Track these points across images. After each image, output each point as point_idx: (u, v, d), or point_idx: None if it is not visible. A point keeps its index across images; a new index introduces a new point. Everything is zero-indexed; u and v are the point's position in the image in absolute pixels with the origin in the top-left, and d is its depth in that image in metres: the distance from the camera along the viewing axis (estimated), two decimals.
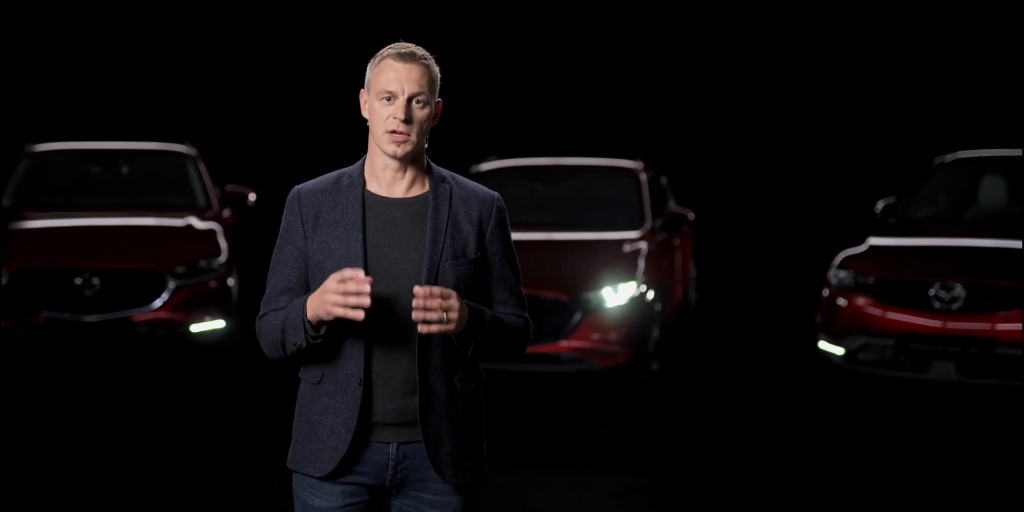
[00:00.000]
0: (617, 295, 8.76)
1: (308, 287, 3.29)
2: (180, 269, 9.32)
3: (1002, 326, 8.21)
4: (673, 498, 6.58)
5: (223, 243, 9.71)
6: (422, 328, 3.10)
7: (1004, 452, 7.49)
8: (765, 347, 10.80)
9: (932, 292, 8.40)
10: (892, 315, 8.47)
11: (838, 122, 16.10)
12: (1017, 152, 9.99)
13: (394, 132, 3.20)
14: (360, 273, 3.07)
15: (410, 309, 3.19)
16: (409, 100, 3.21)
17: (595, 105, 16.55)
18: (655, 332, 9.27)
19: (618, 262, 9.06)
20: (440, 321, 3.09)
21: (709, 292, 12.79)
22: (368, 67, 3.27)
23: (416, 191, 3.30)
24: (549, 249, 9.44)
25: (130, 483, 6.70)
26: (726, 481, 6.90)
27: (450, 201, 3.29)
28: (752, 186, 16.12)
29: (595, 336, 8.68)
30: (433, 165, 3.35)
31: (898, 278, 8.60)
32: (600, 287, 8.75)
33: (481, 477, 3.37)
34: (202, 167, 10.67)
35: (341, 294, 3.06)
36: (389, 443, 3.27)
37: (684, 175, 13.74)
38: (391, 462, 3.28)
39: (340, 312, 3.07)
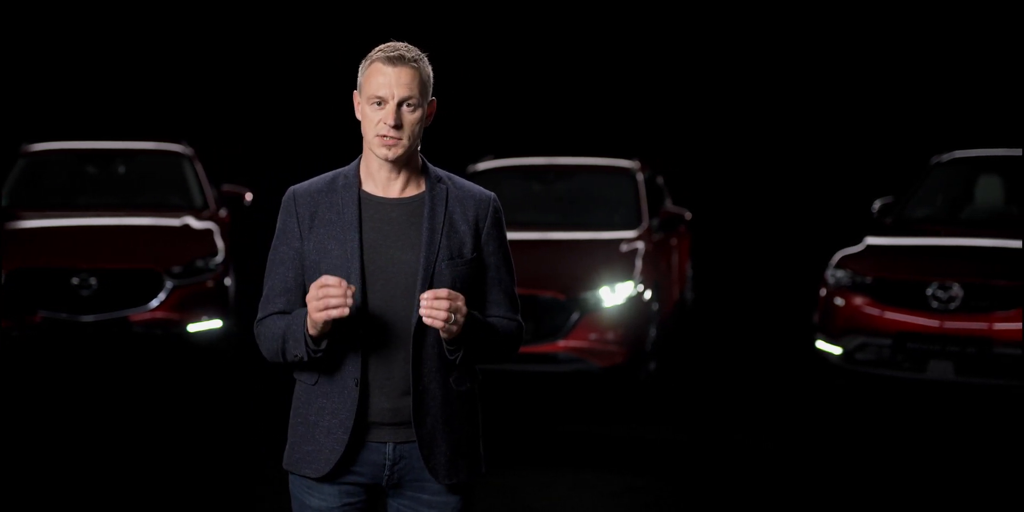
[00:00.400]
0: (614, 295, 8.76)
1: (305, 288, 3.28)
2: (177, 269, 9.31)
3: (999, 326, 8.22)
4: (672, 498, 6.58)
5: (220, 243, 9.70)
6: (428, 321, 3.08)
7: (1002, 452, 7.49)
8: (762, 347, 10.80)
9: (929, 292, 8.40)
10: (889, 315, 8.47)
11: (835, 122, 16.11)
12: (1013, 152, 10.00)
13: (384, 136, 3.19)
14: (342, 281, 3.06)
15: (406, 309, 3.20)
16: (399, 104, 3.18)
17: (592, 105, 16.55)
18: (652, 332, 9.27)
19: (615, 262, 9.06)
20: (447, 321, 3.08)
21: (706, 292, 12.79)
22: (359, 69, 3.25)
23: (412, 191, 3.29)
24: (546, 249, 9.44)
25: (129, 483, 6.69)
26: (724, 481, 6.90)
27: (446, 201, 3.28)
28: (749, 186, 16.12)
29: (592, 336, 8.68)
30: (429, 165, 3.34)
31: (895, 278, 8.61)
32: (597, 287, 8.75)
33: (477, 477, 3.36)
34: (199, 167, 10.66)
35: (320, 299, 3.05)
36: (385, 443, 3.26)
37: (680, 175, 13.74)
38: (387, 462, 3.27)
39: (322, 316, 3.06)
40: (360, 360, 3.22)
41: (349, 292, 3.04)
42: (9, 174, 10.51)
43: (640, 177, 10.22)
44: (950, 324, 8.31)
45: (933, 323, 8.35)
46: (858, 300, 8.63)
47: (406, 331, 3.21)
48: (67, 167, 10.81)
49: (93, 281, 9.13)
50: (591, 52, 16.61)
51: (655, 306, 9.36)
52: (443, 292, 3.08)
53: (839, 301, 8.73)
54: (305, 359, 3.19)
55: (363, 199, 3.27)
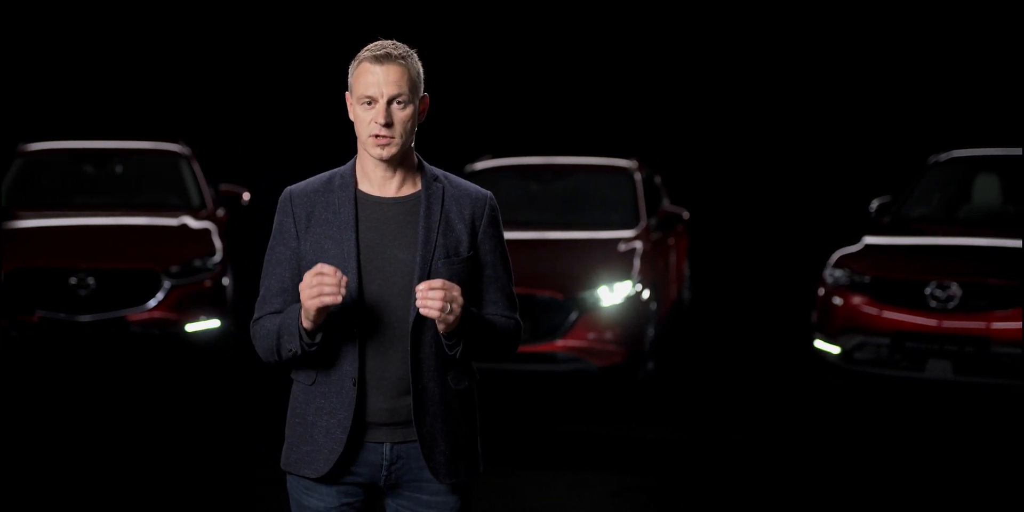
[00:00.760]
0: (613, 294, 8.76)
1: None
2: (175, 269, 9.30)
3: (998, 325, 8.22)
4: (671, 497, 6.58)
5: (218, 242, 9.69)
6: (424, 311, 3.09)
7: (1000, 451, 7.49)
8: (760, 346, 10.80)
9: (928, 291, 8.40)
10: (888, 314, 8.47)
11: (832, 121, 16.11)
12: (1011, 151, 10.01)
13: (377, 136, 3.19)
14: (336, 270, 3.06)
15: (403, 309, 3.20)
16: (389, 102, 3.18)
17: (589, 104, 16.55)
18: (651, 331, 9.27)
19: (613, 261, 9.06)
20: (443, 310, 3.08)
21: (703, 291, 12.79)
22: (349, 70, 3.25)
23: (408, 190, 3.29)
24: (545, 248, 9.44)
25: (127, 483, 6.68)
26: (723, 480, 6.90)
27: (442, 200, 3.28)
28: (746, 185, 16.13)
29: (591, 335, 8.68)
30: (425, 164, 3.34)
31: (894, 277, 8.61)
32: (596, 286, 8.75)
33: (475, 476, 3.36)
34: (196, 166, 10.65)
35: (314, 287, 3.05)
36: (383, 443, 3.26)
37: (678, 174, 13.74)
38: (385, 462, 3.27)
39: (315, 303, 3.06)
40: (357, 360, 3.21)
41: (343, 280, 3.05)
42: (6, 174, 10.49)
43: (638, 176, 10.22)
44: (948, 323, 8.32)
45: (931, 322, 8.35)
46: (856, 299, 8.63)
47: (403, 330, 3.21)
48: (64, 167, 10.79)
49: (91, 281, 9.12)
50: (589, 52, 16.61)
51: (653, 306, 9.36)
52: (437, 283, 3.08)
53: (837, 300, 8.73)
54: (299, 353, 3.18)
55: (359, 199, 3.27)
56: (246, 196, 10.81)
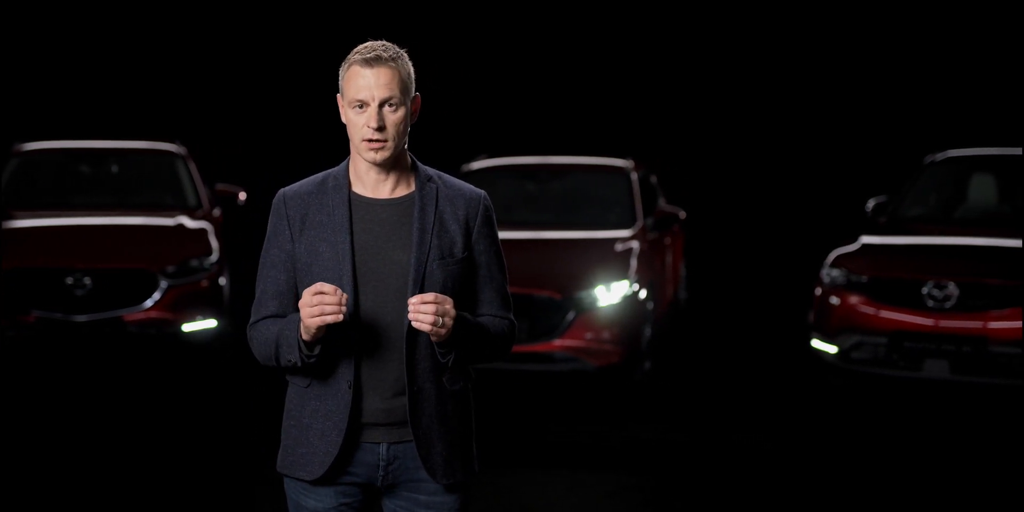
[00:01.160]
0: (610, 294, 8.75)
1: (297, 290, 3.27)
2: (171, 269, 9.29)
3: (995, 324, 8.22)
4: (668, 497, 6.57)
5: (214, 242, 9.68)
6: (416, 324, 3.09)
7: (997, 450, 7.50)
8: (757, 346, 10.80)
9: (925, 290, 8.41)
10: (885, 313, 8.47)
11: (829, 120, 16.11)
12: (1007, 151, 10.02)
13: (370, 140, 3.18)
14: (337, 289, 3.06)
15: (398, 310, 3.19)
16: (381, 106, 3.17)
17: (585, 104, 16.54)
18: (647, 331, 9.27)
19: (611, 261, 9.06)
20: (435, 324, 3.08)
21: (699, 291, 12.79)
22: (339, 73, 3.24)
23: (402, 191, 3.28)
24: (541, 248, 9.44)
25: (124, 483, 6.67)
26: (721, 480, 6.90)
27: (436, 200, 3.27)
28: (743, 185, 16.12)
29: (588, 335, 8.67)
30: (419, 164, 3.33)
31: (891, 276, 8.61)
32: (593, 286, 8.75)
33: (472, 476, 3.35)
34: (192, 166, 10.64)
35: (316, 305, 3.05)
36: (379, 443, 3.25)
37: (674, 173, 13.74)
38: (382, 462, 3.26)
39: (316, 322, 3.06)
40: (353, 361, 3.21)
41: (344, 299, 3.05)
42: (2, 174, 10.47)
43: (634, 176, 10.21)
44: (946, 323, 8.32)
45: (929, 322, 8.35)
46: (854, 299, 8.63)
47: (399, 332, 3.20)
48: (60, 166, 10.78)
49: (87, 281, 9.11)
50: (585, 51, 16.61)
51: (650, 305, 9.35)
52: (429, 296, 3.08)
53: (835, 300, 8.73)
54: (299, 365, 3.19)
55: (353, 200, 3.26)
56: (242, 196, 10.79)
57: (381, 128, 3.17)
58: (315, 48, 15.56)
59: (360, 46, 3.23)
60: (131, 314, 9.12)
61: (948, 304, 8.35)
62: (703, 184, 15.62)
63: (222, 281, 9.55)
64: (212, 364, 9.55)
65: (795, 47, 16.25)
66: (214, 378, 9.37)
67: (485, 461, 3.45)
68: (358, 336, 3.20)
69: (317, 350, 3.15)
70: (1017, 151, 9.94)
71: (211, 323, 9.34)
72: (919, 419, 8.26)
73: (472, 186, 3.36)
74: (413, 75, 3.25)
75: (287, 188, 3.33)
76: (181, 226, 9.89)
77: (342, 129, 3.26)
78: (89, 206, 10.34)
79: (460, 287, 3.26)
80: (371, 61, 3.17)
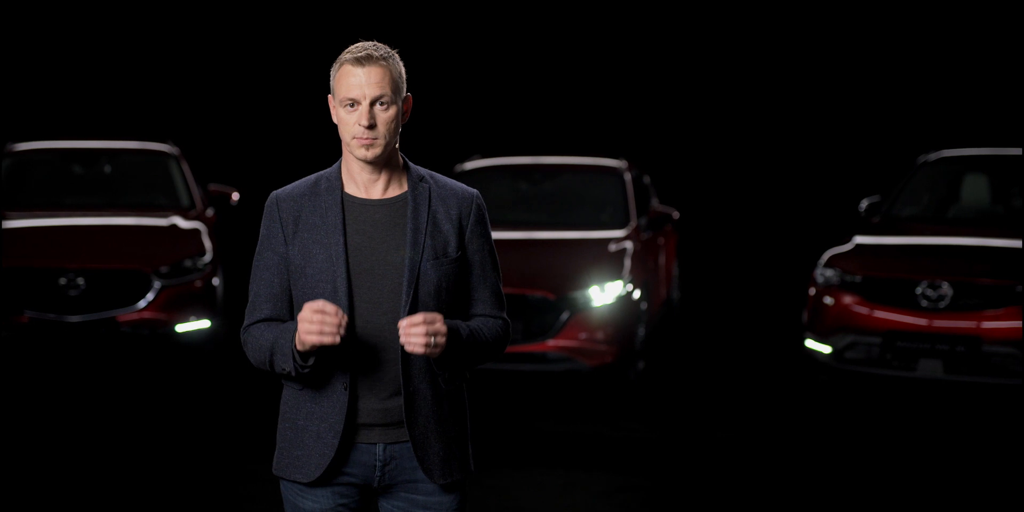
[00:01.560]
0: (604, 294, 8.75)
1: (291, 293, 3.28)
2: (165, 269, 9.28)
3: (988, 324, 8.24)
4: (663, 497, 6.57)
5: (207, 243, 9.67)
6: (408, 348, 3.09)
7: (991, 450, 7.50)
8: (751, 346, 10.81)
9: (919, 290, 8.42)
10: (879, 313, 8.48)
11: (822, 121, 16.13)
12: (999, 151, 10.03)
13: (361, 138, 3.18)
14: (338, 310, 3.05)
15: (393, 311, 3.20)
16: (372, 104, 3.17)
17: (579, 104, 16.55)
18: (641, 331, 9.27)
19: (604, 261, 9.06)
20: (428, 345, 3.08)
21: (692, 291, 12.80)
22: (330, 73, 3.24)
23: (394, 191, 3.28)
24: (535, 248, 9.44)
25: (119, 484, 6.66)
26: (715, 479, 6.90)
27: (429, 200, 3.27)
28: (736, 185, 16.14)
29: (582, 335, 8.67)
30: (411, 164, 3.33)
31: (885, 276, 8.62)
32: (587, 286, 8.75)
33: (467, 475, 3.35)
34: (185, 166, 10.62)
35: (316, 323, 3.05)
36: (375, 444, 3.25)
37: (667, 174, 13.75)
38: (378, 463, 3.26)
39: (315, 340, 3.06)
40: (349, 363, 3.21)
41: (343, 321, 3.05)
42: None
43: (627, 176, 10.21)
44: (939, 323, 8.33)
45: (922, 322, 8.36)
46: (847, 299, 8.64)
47: (393, 333, 3.19)
48: (53, 167, 10.76)
49: (80, 281, 9.09)
50: (579, 52, 16.61)
51: (644, 305, 9.36)
52: (418, 318, 3.08)
53: (828, 300, 8.74)
54: (293, 374, 3.19)
55: (346, 201, 3.26)
56: (235, 196, 10.78)
57: (372, 126, 3.17)
58: (307, 49, 15.57)
59: (351, 46, 3.24)
60: (124, 314, 9.11)
61: (941, 304, 8.36)
62: (696, 184, 15.64)
63: (215, 281, 9.54)
64: (206, 365, 9.54)
65: (789, 48, 16.26)
66: (208, 379, 9.36)
67: (478, 461, 3.45)
68: (353, 338, 3.20)
69: (311, 361, 3.15)
70: (1010, 151, 9.95)
71: (205, 323, 9.33)
72: (913, 419, 8.27)
73: (464, 185, 3.36)
74: (404, 75, 3.25)
75: (279, 190, 3.33)
76: (174, 226, 9.87)
77: (333, 129, 3.26)
78: (82, 206, 10.32)
79: (454, 287, 3.27)
80: (362, 60, 3.17)
